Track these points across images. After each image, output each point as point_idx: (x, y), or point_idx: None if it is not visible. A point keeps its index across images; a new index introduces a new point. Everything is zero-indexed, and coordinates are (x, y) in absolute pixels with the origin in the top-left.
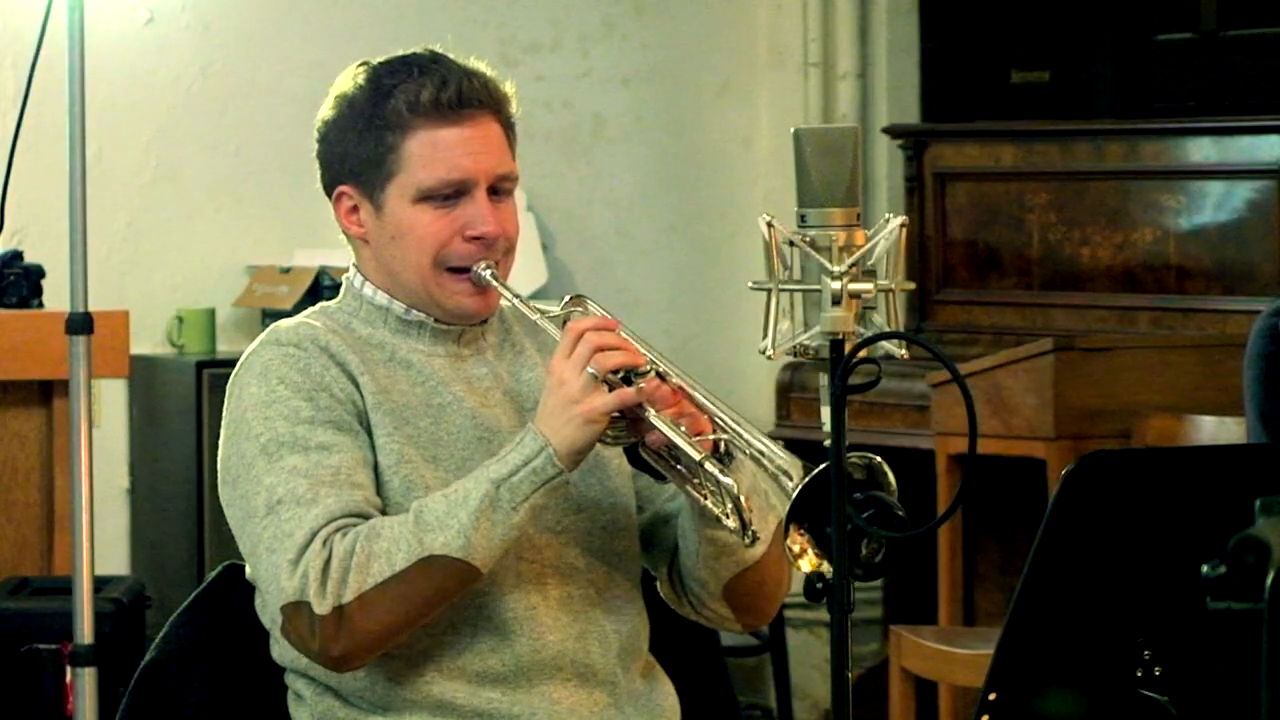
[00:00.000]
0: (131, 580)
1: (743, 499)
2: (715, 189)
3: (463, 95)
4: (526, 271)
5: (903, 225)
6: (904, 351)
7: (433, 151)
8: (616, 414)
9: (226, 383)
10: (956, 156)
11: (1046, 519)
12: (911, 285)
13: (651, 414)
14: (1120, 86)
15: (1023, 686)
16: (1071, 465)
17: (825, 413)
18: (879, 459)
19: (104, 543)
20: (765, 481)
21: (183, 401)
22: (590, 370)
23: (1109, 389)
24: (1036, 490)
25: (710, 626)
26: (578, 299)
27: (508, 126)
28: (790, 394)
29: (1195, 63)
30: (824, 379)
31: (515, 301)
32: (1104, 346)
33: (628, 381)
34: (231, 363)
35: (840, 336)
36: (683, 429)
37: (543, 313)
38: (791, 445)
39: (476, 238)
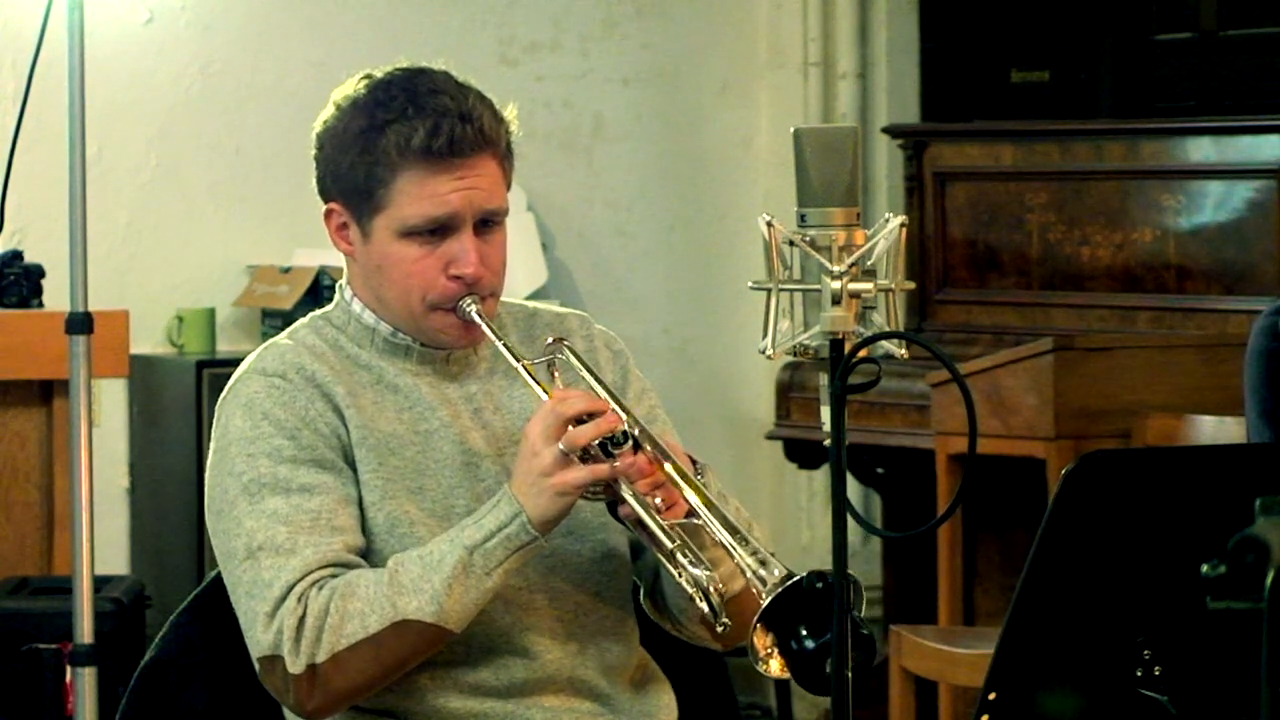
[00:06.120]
0: (131, 580)
1: (712, 590)
2: (715, 189)
3: (454, 143)
4: (526, 271)
5: (903, 225)
6: (904, 351)
7: (420, 190)
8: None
9: (226, 382)
10: (956, 156)
11: (1046, 519)
12: (911, 285)
13: (626, 490)
14: (1120, 86)
15: (1023, 686)
16: (1071, 465)
17: (825, 413)
18: (857, 579)
19: (104, 543)
20: (741, 557)
21: (183, 401)
22: (560, 447)
23: (1109, 389)
24: (1036, 490)
25: (690, 643)
26: (558, 342)
27: (504, 158)
28: (790, 394)
29: (1195, 63)
30: (824, 379)
31: (499, 345)
32: (1104, 346)
33: (605, 449)
34: (231, 362)
35: (840, 336)
36: (659, 501)
37: (524, 359)
38: (791, 445)
39: (458, 277)
